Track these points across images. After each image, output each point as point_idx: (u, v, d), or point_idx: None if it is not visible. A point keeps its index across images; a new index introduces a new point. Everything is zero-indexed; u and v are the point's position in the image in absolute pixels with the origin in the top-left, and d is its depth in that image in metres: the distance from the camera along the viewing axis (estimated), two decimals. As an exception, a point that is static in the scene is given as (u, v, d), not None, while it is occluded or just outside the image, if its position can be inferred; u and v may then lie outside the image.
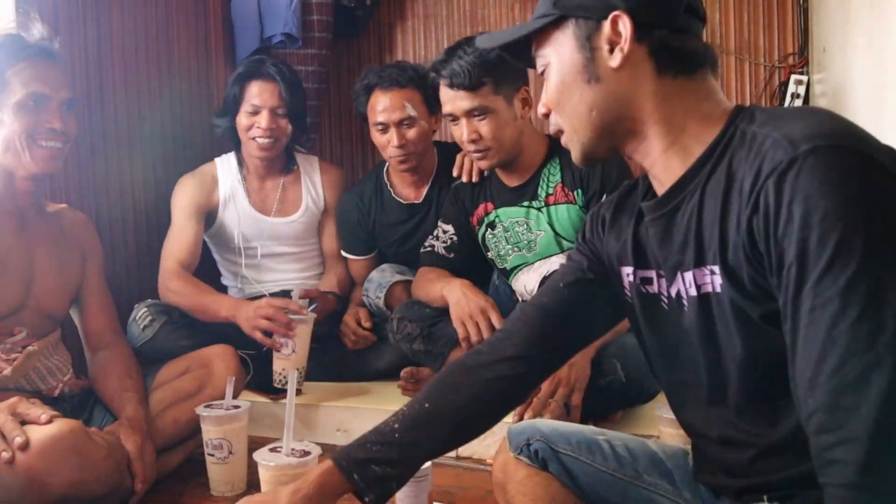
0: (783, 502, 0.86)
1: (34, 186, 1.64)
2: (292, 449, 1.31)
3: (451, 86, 1.76)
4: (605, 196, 1.53)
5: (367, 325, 2.14)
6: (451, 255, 1.99)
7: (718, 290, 0.83)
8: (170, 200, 2.23)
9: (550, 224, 1.84)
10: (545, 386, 1.62)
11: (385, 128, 2.07)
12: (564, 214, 1.83)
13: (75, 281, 1.74)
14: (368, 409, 1.91)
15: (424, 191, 2.22)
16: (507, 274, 1.95)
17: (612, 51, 0.88)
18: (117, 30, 2.28)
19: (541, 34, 0.94)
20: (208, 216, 2.25)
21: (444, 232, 2.02)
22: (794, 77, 2.42)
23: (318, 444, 1.38)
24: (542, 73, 0.96)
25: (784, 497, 0.85)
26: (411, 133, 2.07)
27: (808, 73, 2.42)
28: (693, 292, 0.88)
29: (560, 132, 0.97)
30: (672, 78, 0.88)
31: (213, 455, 1.57)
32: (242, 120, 2.17)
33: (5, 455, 1.27)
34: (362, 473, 0.97)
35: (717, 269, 0.83)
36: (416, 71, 2.10)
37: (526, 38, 0.96)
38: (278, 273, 2.29)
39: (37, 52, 1.57)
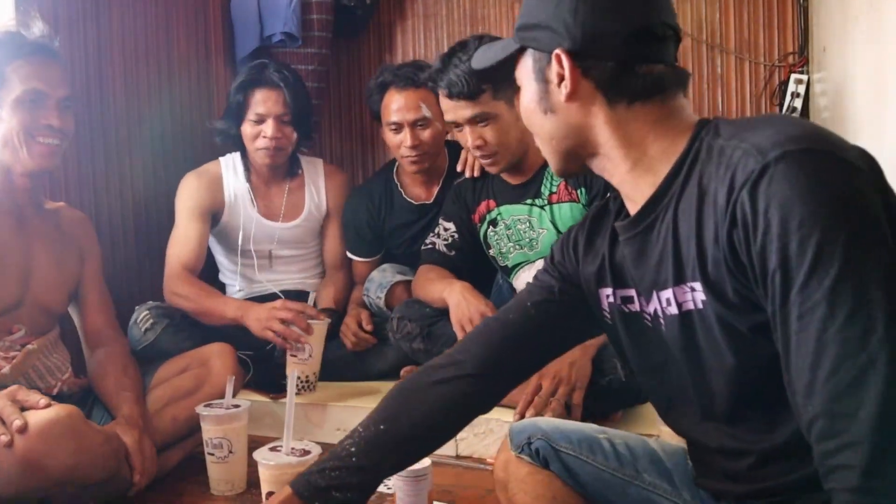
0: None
1: (31, 183, 1.64)
2: (292, 448, 1.31)
3: (451, 96, 1.74)
4: (608, 195, 1.53)
5: (368, 327, 2.13)
6: (453, 252, 1.98)
7: (701, 306, 0.83)
8: (170, 199, 2.23)
9: (553, 222, 1.84)
10: (546, 385, 1.62)
11: (399, 127, 2.05)
12: (567, 213, 1.83)
13: (73, 277, 1.74)
14: (368, 409, 1.88)
15: (435, 191, 2.21)
16: (509, 272, 1.94)
17: (560, 84, 0.89)
18: (117, 29, 2.28)
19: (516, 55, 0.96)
20: (212, 216, 2.24)
21: (446, 230, 2.00)
22: (794, 76, 2.42)
23: (318, 443, 1.38)
24: None
25: (786, 501, 0.85)
26: (425, 134, 2.06)
27: (808, 73, 2.42)
28: (673, 311, 0.87)
29: None
30: (626, 105, 0.88)
31: (212, 454, 1.57)
32: (248, 129, 2.16)
33: (4, 438, 1.28)
34: (323, 500, 0.98)
35: (697, 285, 0.82)
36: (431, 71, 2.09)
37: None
38: (279, 274, 2.29)
39: (36, 50, 1.58)
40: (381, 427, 1.02)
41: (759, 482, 0.87)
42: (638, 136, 0.88)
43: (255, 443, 1.52)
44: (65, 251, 1.72)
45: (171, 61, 2.50)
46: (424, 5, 2.90)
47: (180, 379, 1.76)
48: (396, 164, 2.25)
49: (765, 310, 0.75)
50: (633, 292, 0.95)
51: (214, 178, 2.25)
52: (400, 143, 2.06)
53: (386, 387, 2.04)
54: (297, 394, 1.93)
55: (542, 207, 1.85)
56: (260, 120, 2.14)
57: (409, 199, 2.23)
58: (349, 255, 2.31)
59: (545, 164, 1.87)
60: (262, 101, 2.14)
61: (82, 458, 1.34)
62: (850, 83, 1.94)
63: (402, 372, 1.95)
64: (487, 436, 1.75)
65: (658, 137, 0.87)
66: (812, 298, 0.69)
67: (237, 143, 2.23)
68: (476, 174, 1.99)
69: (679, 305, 0.86)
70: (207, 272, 2.26)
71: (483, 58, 1.04)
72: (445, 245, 1.99)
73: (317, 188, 2.33)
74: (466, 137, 1.77)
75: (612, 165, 0.91)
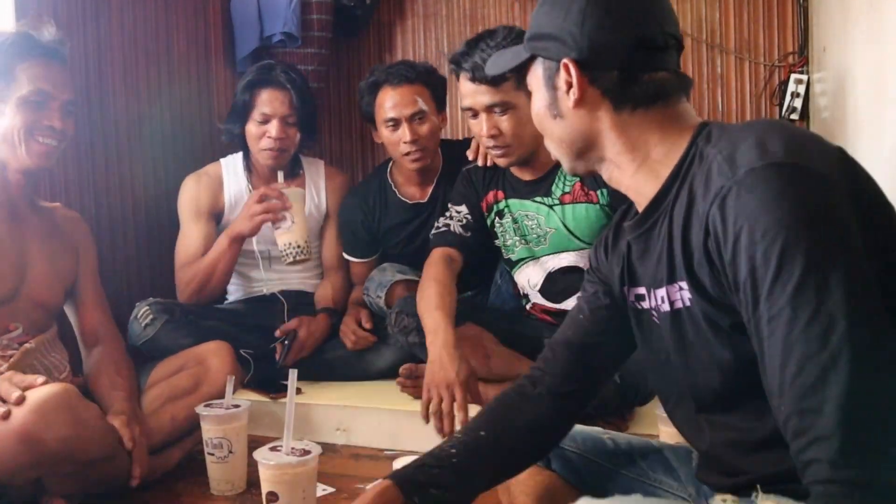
0: (776, 493, 0.86)
1: (25, 180, 1.67)
2: (292, 448, 1.31)
3: (474, 79, 1.70)
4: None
5: (367, 326, 2.12)
6: (469, 233, 1.92)
7: (688, 304, 0.87)
8: (170, 198, 2.23)
9: (563, 223, 1.82)
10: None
11: (396, 124, 2.04)
12: (582, 213, 1.80)
13: (68, 273, 1.75)
14: (368, 409, 1.90)
15: (430, 190, 2.20)
16: (512, 265, 1.93)
17: (568, 91, 0.93)
18: (117, 29, 2.28)
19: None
20: (214, 217, 2.24)
21: (458, 212, 1.95)
22: (794, 76, 2.42)
23: (317, 443, 1.38)
24: None
25: (779, 491, 0.85)
26: (423, 128, 2.05)
27: (808, 73, 2.42)
28: (666, 308, 0.91)
29: None
30: (630, 111, 0.92)
31: (212, 454, 1.57)
32: (252, 128, 2.16)
33: (2, 410, 1.30)
34: (422, 495, 0.98)
35: (685, 284, 0.86)
36: (423, 67, 2.08)
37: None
38: (279, 274, 2.28)
39: (47, 53, 1.63)
40: (482, 433, 1.06)
41: (752, 473, 0.88)
42: (642, 139, 0.92)
43: (255, 443, 1.52)
44: (59, 247, 1.74)
45: (171, 61, 2.51)
46: (424, 5, 2.91)
47: (178, 378, 1.77)
48: (390, 164, 2.24)
49: (741, 314, 0.79)
50: (643, 290, 0.98)
51: (215, 179, 2.25)
52: (398, 140, 2.05)
53: (385, 386, 2.05)
54: (294, 262, 2.00)
55: (551, 207, 1.83)
56: (265, 120, 2.14)
57: (403, 199, 2.22)
58: (345, 255, 2.31)
59: (558, 164, 1.84)
60: (269, 102, 2.14)
61: (79, 430, 1.36)
62: (850, 83, 1.94)
63: (400, 369, 1.94)
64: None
65: (660, 141, 0.91)
66: (778, 303, 0.73)
67: (242, 143, 2.23)
68: (489, 163, 1.94)
69: (671, 303, 0.90)
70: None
71: (496, 64, 1.09)
72: (461, 226, 1.93)
73: (317, 189, 2.33)
74: (481, 125, 1.74)
75: (620, 171, 0.95)
